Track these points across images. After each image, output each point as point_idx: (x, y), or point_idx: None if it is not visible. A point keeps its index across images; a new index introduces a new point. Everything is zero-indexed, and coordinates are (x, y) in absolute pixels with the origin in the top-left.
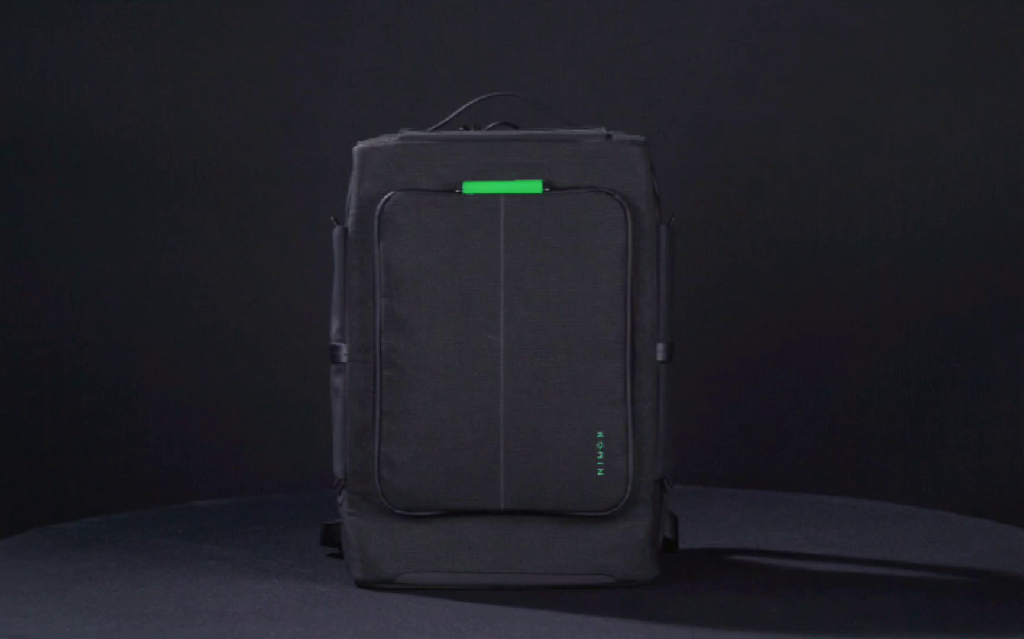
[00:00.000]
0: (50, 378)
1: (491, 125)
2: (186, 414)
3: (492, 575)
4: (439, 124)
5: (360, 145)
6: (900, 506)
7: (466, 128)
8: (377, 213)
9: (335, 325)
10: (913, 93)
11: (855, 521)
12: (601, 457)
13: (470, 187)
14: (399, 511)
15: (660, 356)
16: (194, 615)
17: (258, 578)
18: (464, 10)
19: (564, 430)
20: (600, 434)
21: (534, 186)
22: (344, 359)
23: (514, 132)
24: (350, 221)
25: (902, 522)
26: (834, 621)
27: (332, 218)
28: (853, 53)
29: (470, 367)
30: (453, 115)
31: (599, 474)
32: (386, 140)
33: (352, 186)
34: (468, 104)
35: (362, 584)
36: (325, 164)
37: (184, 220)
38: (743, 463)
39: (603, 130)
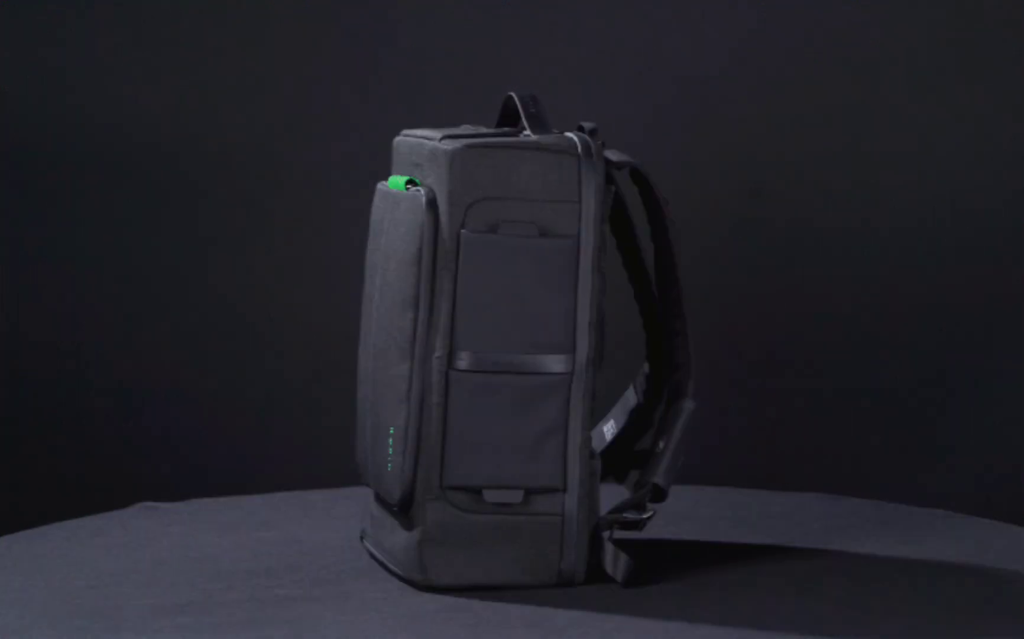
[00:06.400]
0: (50, 378)
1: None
2: (186, 414)
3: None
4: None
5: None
6: (900, 506)
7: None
8: None
9: None
10: (913, 93)
11: (853, 520)
12: (391, 453)
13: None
14: None
15: (462, 364)
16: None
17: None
18: (462, 9)
19: (374, 425)
20: (391, 430)
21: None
22: None
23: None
24: None
25: (902, 522)
26: (831, 620)
27: None
28: (853, 53)
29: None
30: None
31: (388, 469)
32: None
33: None
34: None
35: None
36: (326, 164)
37: (185, 219)
38: (741, 463)
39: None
